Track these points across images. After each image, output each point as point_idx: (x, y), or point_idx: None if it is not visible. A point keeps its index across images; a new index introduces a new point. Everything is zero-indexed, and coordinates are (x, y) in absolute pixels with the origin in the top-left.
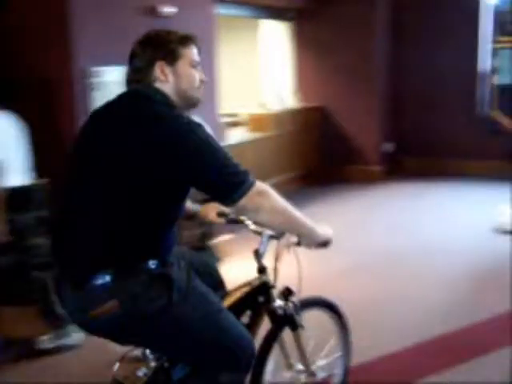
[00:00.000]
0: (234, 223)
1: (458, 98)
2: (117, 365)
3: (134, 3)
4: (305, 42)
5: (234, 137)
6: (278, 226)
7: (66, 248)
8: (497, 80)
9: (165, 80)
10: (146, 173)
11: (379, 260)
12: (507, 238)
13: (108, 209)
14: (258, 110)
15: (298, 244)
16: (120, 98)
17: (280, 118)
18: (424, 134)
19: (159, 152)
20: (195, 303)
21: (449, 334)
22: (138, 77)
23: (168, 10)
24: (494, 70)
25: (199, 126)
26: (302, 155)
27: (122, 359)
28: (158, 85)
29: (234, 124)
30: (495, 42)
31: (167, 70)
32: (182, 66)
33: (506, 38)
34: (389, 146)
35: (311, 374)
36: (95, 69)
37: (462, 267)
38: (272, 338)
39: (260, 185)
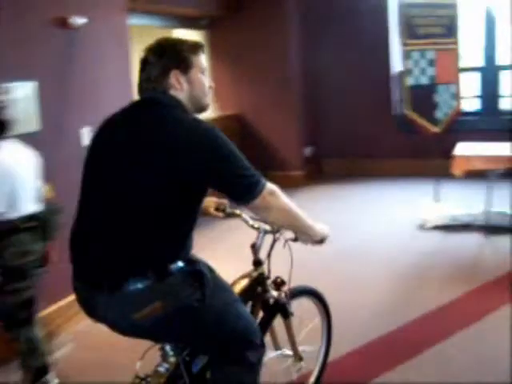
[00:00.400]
0: (232, 217)
1: (374, 99)
2: (138, 363)
3: (44, 15)
4: (219, 50)
5: None
6: (284, 224)
7: (95, 256)
8: (409, 81)
9: (179, 88)
10: (170, 175)
11: (306, 264)
12: (432, 234)
13: (136, 213)
14: None
15: (295, 240)
16: (137, 104)
17: None
18: (343, 136)
19: (181, 154)
20: (219, 293)
21: (385, 336)
22: (153, 85)
23: (79, 21)
24: (405, 72)
25: (215, 129)
26: None
27: (143, 357)
28: (172, 92)
29: None
30: (405, 44)
31: (181, 78)
32: (194, 73)
33: (416, 41)
34: (308, 150)
35: (299, 358)
36: (2, 85)
37: (390, 266)
38: (265, 325)
39: (270, 185)
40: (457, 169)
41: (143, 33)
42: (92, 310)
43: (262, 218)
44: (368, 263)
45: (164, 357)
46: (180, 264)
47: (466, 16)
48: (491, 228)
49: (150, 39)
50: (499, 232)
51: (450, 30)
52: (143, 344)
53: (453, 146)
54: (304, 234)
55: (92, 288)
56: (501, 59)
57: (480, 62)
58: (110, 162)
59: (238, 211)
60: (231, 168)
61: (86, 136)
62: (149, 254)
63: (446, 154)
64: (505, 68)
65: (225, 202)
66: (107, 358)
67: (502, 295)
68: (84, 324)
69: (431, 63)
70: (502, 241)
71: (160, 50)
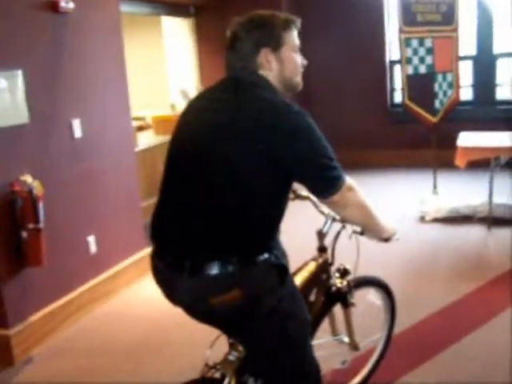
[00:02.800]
0: (302, 199)
1: (370, 88)
2: (208, 352)
3: None
4: (208, 39)
5: (143, 141)
6: (359, 221)
7: (181, 238)
8: (408, 70)
9: (269, 68)
10: (261, 160)
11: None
12: (432, 226)
13: (226, 197)
14: (165, 112)
15: (361, 234)
16: (227, 84)
17: None
18: (337, 126)
19: (272, 140)
20: (296, 301)
21: (396, 336)
22: (243, 63)
23: (67, 5)
24: (403, 60)
25: (306, 115)
26: None
27: (212, 345)
28: (261, 72)
29: (140, 128)
30: (403, 31)
31: (271, 57)
32: (286, 51)
33: (413, 29)
34: None
35: (355, 347)
36: None
37: (391, 261)
38: (323, 311)
39: (349, 180)
40: (460, 160)
41: (133, 20)
42: (171, 291)
43: (337, 214)
44: (368, 257)
45: (233, 345)
46: (266, 255)
47: (462, 3)
48: (493, 220)
49: (138, 28)
50: (501, 224)
51: (448, 17)
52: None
53: (449, 136)
54: (373, 231)
55: (174, 269)
56: (497, 47)
57: (475, 50)
58: (200, 143)
59: (310, 195)
60: (317, 157)
61: (78, 128)
62: (236, 240)
63: (443, 144)
64: (501, 56)
65: None
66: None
67: (509, 292)
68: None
69: (429, 51)
70: (505, 232)
71: (250, 26)
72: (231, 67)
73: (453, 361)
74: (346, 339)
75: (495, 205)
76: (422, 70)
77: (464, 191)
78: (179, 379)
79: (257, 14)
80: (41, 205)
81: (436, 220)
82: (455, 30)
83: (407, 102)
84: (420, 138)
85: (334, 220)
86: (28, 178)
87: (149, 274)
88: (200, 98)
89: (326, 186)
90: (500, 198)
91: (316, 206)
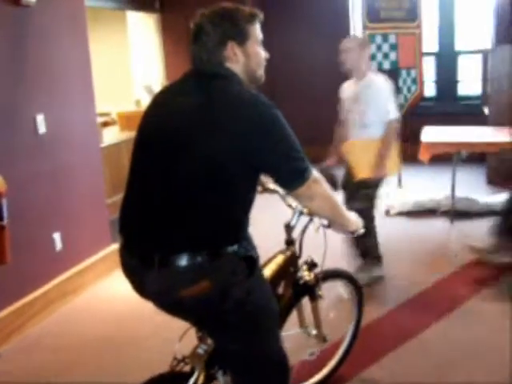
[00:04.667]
0: (270, 193)
1: (338, 84)
2: (177, 345)
3: None
4: (173, 34)
5: (108, 137)
6: (325, 214)
7: (150, 231)
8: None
9: (235, 60)
10: (229, 151)
11: None
12: (397, 220)
13: (194, 189)
14: (130, 108)
15: (328, 227)
16: (194, 76)
17: None
18: (307, 123)
19: (240, 131)
20: (263, 291)
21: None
22: (209, 56)
23: None
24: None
25: (272, 106)
26: None
27: (181, 339)
28: (227, 64)
29: (105, 124)
30: (367, 28)
31: (238, 50)
32: (251, 45)
33: (377, 25)
34: None
35: (322, 339)
36: None
37: None
38: (291, 304)
39: (315, 173)
40: (424, 155)
41: (98, 15)
42: (141, 285)
43: (303, 206)
44: (334, 250)
45: (202, 338)
46: (235, 247)
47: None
48: (456, 213)
49: (102, 23)
50: (464, 217)
51: (411, 13)
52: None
53: (413, 131)
54: (339, 224)
55: (143, 262)
56: (459, 44)
57: (437, 46)
58: (167, 136)
59: (276, 188)
60: (284, 149)
61: (42, 123)
62: (204, 232)
63: (407, 139)
64: (463, 53)
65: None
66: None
67: (471, 283)
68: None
69: (393, 47)
70: (467, 225)
71: (216, 19)
72: (197, 60)
73: (415, 354)
74: (314, 331)
75: (458, 198)
76: (386, 65)
77: (428, 185)
78: (147, 374)
79: (222, 7)
80: (4, 201)
81: (401, 214)
82: (418, 26)
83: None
84: None
85: (301, 213)
86: None
87: (116, 271)
88: (166, 91)
89: (292, 177)
90: (462, 192)
91: (283, 199)
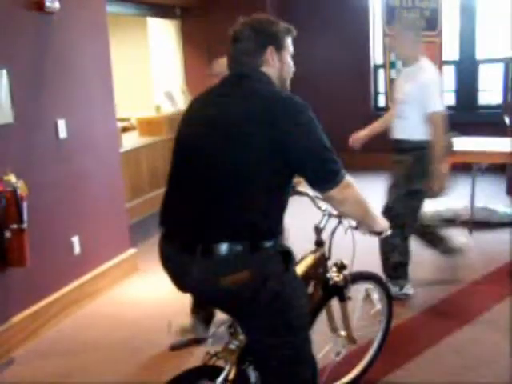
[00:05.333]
0: (300, 195)
1: (353, 92)
2: (210, 341)
3: None
4: (194, 41)
5: (127, 142)
6: (355, 216)
7: (192, 220)
8: (390, 74)
9: (272, 65)
10: (267, 149)
11: None
12: None
13: (236, 183)
14: (150, 114)
15: (356, 228)
16: (233, 80)
17: (172, 121)
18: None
19: (278, 130)
20: (298, 286)
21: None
22: (249, 59)
23: (52, 4)
24: (387, 64)
25: (309, 108)
26: None
27: (214, 334)
28: (264, 68)
29: (125, 129)
30: (387, 36)
31: (275, 55)
32: (285, 54)
33: None
34: None
35: (352, 340)
36: None
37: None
38: (320, 304)
39: (348, 176)
40: None
41: (119, 21)
42: (180, 276)
43: (334, 208)
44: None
45: (234, 334)
46: (272, 241)
47: (445, 9)
48: (475, 223)
49: (123, 29)
50: (483, 227)
51: (432, 22)
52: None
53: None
54: (367, 225)
55: (185, 252)
56: (480, 53)
57: (458, 55)
58: (210, 135)
59: (307, 191)
60: (319, 149)
61: (63, 128)
62: (245, 224)
63: None
64: (483, 62)
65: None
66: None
67: (493, 293)
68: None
69: None
70: (486, 236)
71: (258, 26)
72: (237, 62)
73: (438, 359)
74: (343, 333)
75: (477, 208)
76: None
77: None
78: (163, 378)
79: (263, 16)
80: (25, 205)
81: None
82: (439, 35)
83: (391, 105)
84: None
85: (330, 216)
86: (12, 178)
87: (133, 275)
88: (207, 92)
89: (326, 179)
90: (481, 202)
91: (313, 202)
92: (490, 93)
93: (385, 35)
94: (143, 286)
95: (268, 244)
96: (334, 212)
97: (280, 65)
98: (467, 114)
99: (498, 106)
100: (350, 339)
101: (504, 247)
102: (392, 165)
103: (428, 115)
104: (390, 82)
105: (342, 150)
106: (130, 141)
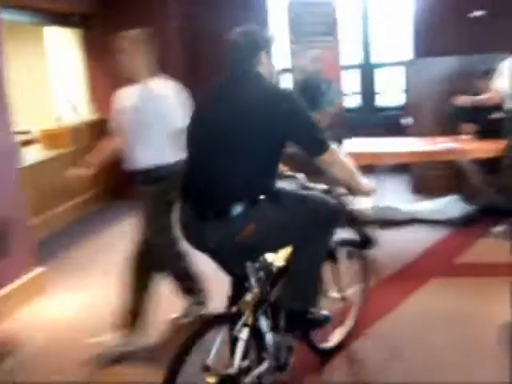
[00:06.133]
0: (289, 179)
1: None
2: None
3: None
4: (95, 49)
5: (28, 156)
6: (343, 176)
7: (206, 192)
8: (296, 78)
9: (265, 66)
10: (269, 128)
11: None
12: None
13: (245, 161)
14: (52, 125)
15: (347, 194)
16: (236, 77)
17: (76, 133)
18: None
19: (276, 113)
20: (296, 202)
21: None
22: (247, 61)
23: None
24: (293, 70)
25: (297, 95)
26: (104, 170)
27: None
28: (259, 68)
29: (26, 143)
30: (293, 42)
31: (266, 59)
32: (271, 58)
33: (301, 39)
34: None
35: (344, 298)
36: None
37: None
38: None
39: (332, 144)
40: None
41: (14, 30)
42: (199, 239)
43: (327, 172)
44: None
45: (249, 289)
46: (264, 195)
47: (345, 14)
48: (382, 222)
49: (20, 38)
50: (389, 225)
51: (332, 28)
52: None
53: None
54: (355, 186)
55: (201, 218)
56: (377, 56)
57: (358, 59)
58: (223, 118)
59: (295, 174)
60: (310, 124)
61: None
62: (248, 188)
63: None
64: (381, 66)
65: (285, 168)
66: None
67: (400, 290)
68: None
69: (316, 61)
70: (393, 234)
71: (253, 35)
72: (237, 65)
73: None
74: (334, 293)
75: (380, 208)
76: (310, 78)
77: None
78: None
79: (252, 27)
80: None
81: None
82: (339, 40)
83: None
84: None
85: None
86: None
87: (40, 296)
88: (214, 89)
89: (318, 146)
90: (387, 201)
91: (302, 182)
92: (389, 95)
93: (291, 42)
94: (50, 307)
95: (263, 197)
96: (322, 188)
97: (269, 66)
98: (367, 116)
99: (396, 108)
100: (343, 298)
101: (408, 245)
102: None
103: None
104: (295, 86)
105: None
106: (33, 154)
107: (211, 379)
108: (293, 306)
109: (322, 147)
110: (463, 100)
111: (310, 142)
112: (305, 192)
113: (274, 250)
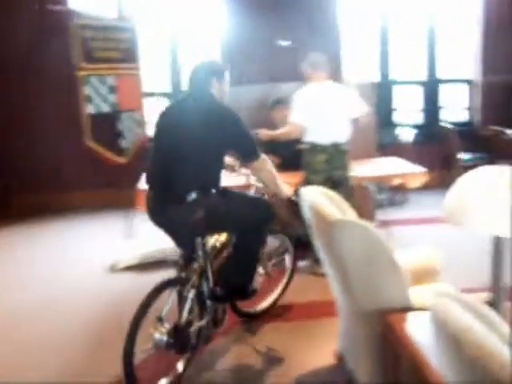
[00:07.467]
0: (231, 169)
1: (63, 126)
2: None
3: None
4: None
5: None
6: (268, 182)
7: (172, 180)
8: (90, 109)
9: (216, 89)
10: (218, 137)
11: None
12: (123, 276)
13: (199, 159)
14: None
15: (274, 195)
16: (195, 97)
17: None
18: (35, 168)
19: (221, 125)
20: (238, 197)
21: None
22: (202, 85)
23: None
24: (86, 99)
25: (236, 112)
26: None
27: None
28: (211, 90)
29: None
30: (82, 69)
31: (217, 84)
32: (224, 83)
33: (92, 66)
34: None
35: (268, 274)
36: None
37: (79, 322)
38: None
39: (263, 155)
40: (142, 202)
41: None
42: (161, 218)
43: (256, 176)
44: (55, 319)
45: (196, 259)
46: (214, 189)
47: (149, 40)
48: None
49: None
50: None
51: (130, 55)
52: None
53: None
54: (277, 191)
55: (164, 202)
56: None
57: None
58: (183, 131)
59: (244, 170)
60: (246, 135)
61: None
62: (200, 181)
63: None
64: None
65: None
66: None
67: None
68: None
69: (113, 90)
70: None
71: (208, 66)
72: (195, 87)
73: None
74: (262, 270)
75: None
76: (106, 109)
77: (160, 234)
78: None
79: (208, 60)
80: None
81: (129, 268)
82: (138, 67)
83: (91, 143)
84: (115, 178)
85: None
86: None
87: None
88: (173, 105)
89: (251, 153)
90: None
91: (236, 171)
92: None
93: (79, 68)
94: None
95: (213, 191)
96: (253, 178)
97: (221, 90)
98: None
99: None
100: (268, 274)
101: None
102: None
103: None
104: (89, 118)
105: (57, 188)
106: None
107: (164, 328)
108: (233, 281)
109: (254, 154)
110: (264, 134)
111: (245, 151)
112: (248, 193)
113: (219, 231)
